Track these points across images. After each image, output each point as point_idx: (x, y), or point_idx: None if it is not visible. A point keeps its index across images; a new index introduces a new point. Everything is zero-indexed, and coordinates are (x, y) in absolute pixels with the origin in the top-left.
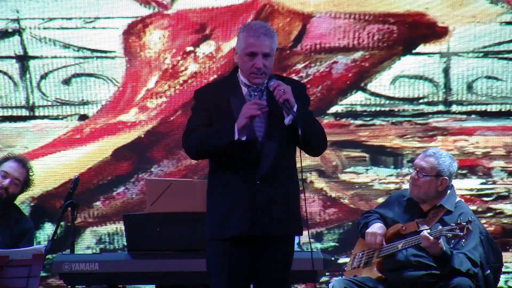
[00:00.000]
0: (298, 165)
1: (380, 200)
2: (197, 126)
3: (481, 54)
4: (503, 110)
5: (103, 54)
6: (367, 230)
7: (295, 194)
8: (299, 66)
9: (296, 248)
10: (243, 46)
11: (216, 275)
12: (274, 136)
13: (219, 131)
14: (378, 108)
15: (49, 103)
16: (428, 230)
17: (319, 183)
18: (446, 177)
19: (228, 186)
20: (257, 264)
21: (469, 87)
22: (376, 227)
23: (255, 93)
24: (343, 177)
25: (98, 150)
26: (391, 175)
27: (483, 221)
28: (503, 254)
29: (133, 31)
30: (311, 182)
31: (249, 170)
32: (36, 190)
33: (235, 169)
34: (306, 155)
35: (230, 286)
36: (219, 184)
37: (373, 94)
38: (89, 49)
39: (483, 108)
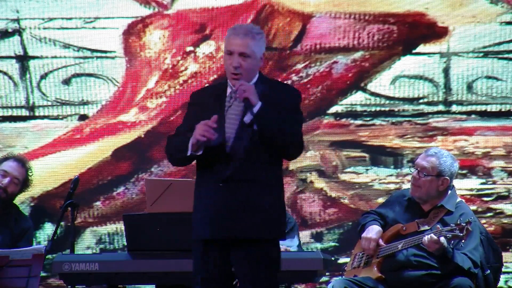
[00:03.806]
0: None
1: (380, 200)
2: (177, 132)
3: (481, 54)
4: (503, 110)
5: (103, 54)
6: (362, 235)
7: (268, 196)
8: (299, 66)
9: (296, 248)
10: (224, 45)
11: (193, 274)
12: (244, 138)
13: (180, 144)
14: (378, 108)
15: (49, 103)
16: (429, 234)
17: (319, 183)
18: (447, 177)
19: (201, 187)
20: (234, 268)
21: (469, 87)
22: (372, 232)
23: (235, 94)
24: (343, 177)
25: (98, 150)
26: (391, 175)
27: (483, 221)
28: (503, 254)
29: (133, 31)
30: (311, 182)
31: (218, 172)
32: (36, 190)
33: (206, 171)
34: (307, 155)
35: (203, 285)
36: (197, 185)
37: (373, 94)
38: (89, 49)
39: (483, 108)
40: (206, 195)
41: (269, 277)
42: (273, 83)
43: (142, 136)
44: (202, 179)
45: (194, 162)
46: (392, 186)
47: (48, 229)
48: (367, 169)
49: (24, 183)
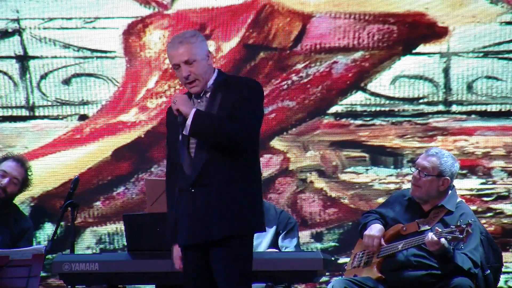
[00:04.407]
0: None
1: (380, 200)
2: (168, 163)
3: (481, 54)
4: (503, 110)
5: (103, 54)
6: (365, 232)
7: (235, 197)
8: (299, 66)
9: (293, 249)
10: (169, 62)
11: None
12: (206, 144)
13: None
14: (378, 108)
15: (49, 103)
16: (431, 233)
17: (319, 183)
18: (447, 177)
19: (178, 194)
20: (212, 268)
21: (469, 87)
22: (375, 230)
23: (198, 100)
24: (343, 177)
25: (98, 150)
26: (391, 175)
27: (483, 221)
28: (503, 254)
29: (133, 31)
30: (311, 182)
31: (187, 178)
32: (36, 190)
33: (180, 178)
34: (307, 155)
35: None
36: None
37: (373, 94)
38: (89, 49)
39: (483, 108)
40: (180, 202)
41: (241, 272)
42: (230, 77)
43: (142, 136)
44: (178, 185)
45: None
46: (392, 186)
47: (48, 229)
48: (367, 169)
49: (23, 183)
